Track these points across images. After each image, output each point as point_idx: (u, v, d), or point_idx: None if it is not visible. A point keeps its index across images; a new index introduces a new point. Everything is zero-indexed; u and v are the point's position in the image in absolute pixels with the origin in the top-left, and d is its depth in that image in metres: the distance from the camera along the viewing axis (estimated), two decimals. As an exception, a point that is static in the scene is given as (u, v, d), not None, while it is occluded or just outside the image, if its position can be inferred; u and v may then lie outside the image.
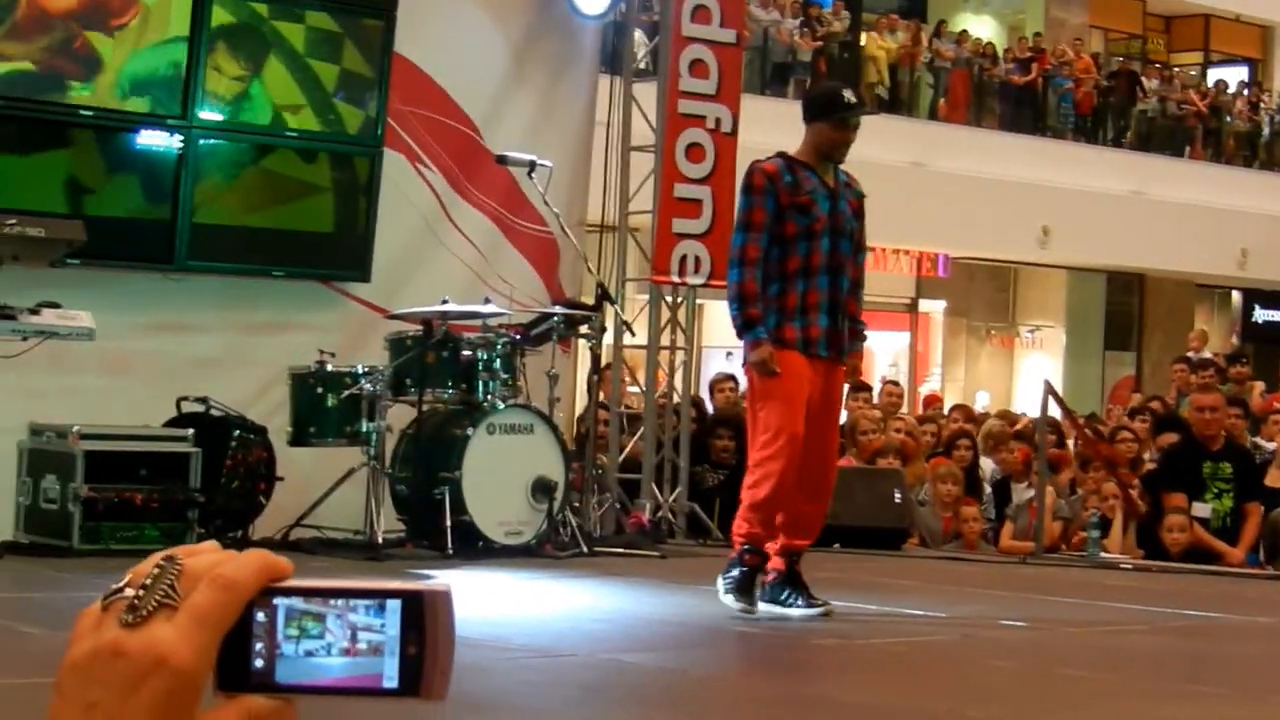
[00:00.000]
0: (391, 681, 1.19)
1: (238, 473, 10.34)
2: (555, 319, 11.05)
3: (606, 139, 12.79)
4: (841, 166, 8.29)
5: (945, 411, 17.24)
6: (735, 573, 8.01)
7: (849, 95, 8.38)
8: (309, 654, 1.19)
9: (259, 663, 1.20)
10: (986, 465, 13.91)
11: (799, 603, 8.01)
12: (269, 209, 11.39)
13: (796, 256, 7.98)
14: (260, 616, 1.20)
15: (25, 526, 10.05)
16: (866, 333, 8.54)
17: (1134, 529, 12.20)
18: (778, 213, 8.00)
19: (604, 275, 12.22)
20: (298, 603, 1.20)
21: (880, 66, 26.72)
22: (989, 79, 28.29)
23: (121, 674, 1.15)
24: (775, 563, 8.06)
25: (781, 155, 8.30)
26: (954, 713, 5.85)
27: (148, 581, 1.18)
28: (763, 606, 8.04)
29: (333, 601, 1.20)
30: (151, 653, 1.16)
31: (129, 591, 1.18)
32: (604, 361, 12.22)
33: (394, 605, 1.19)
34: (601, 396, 12.24)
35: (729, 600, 7.96)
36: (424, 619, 1.19)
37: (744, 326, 8.08)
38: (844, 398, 8.46)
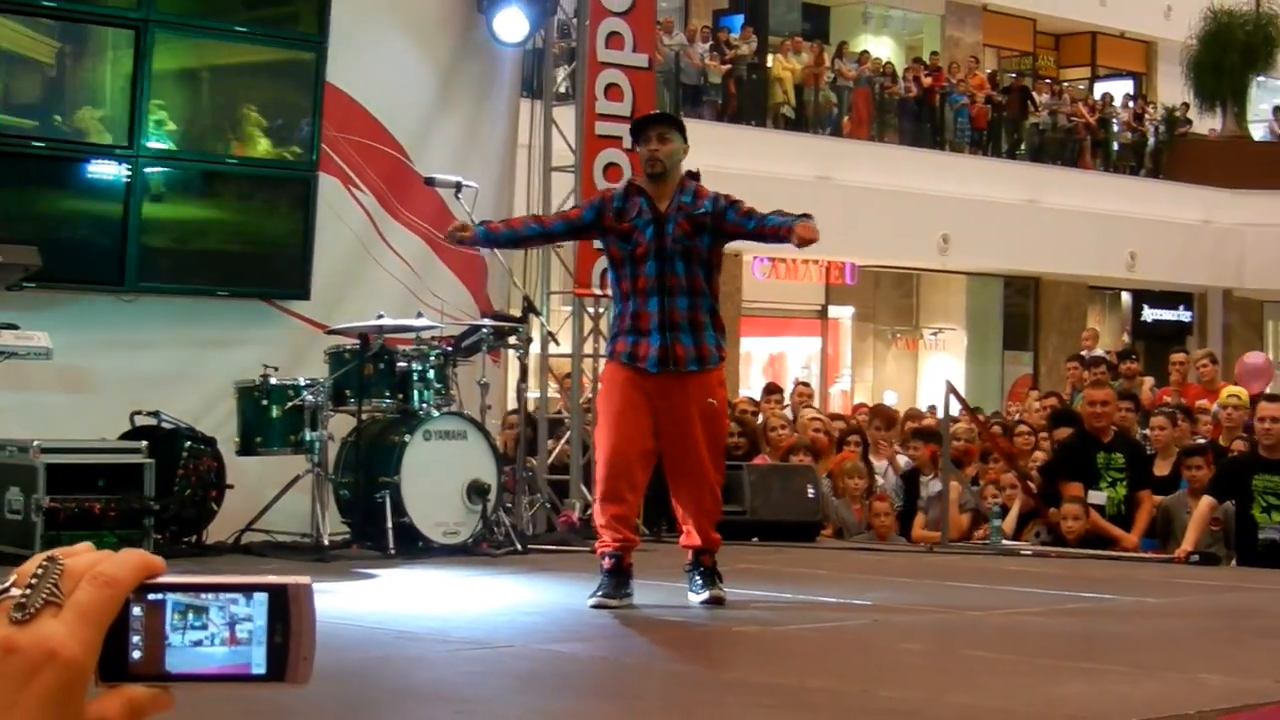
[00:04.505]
0: (260, 668, 1.25)
1: (190, 481, 10.46)
2: (484, 331, 11.18)
3: (529, 160, 13.00)
4: (696, 183, 8.36)
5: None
6: (599, 580, 8.16)
7: (641, 118, 8.96)
8: (195, 644, 1.24)
9: (137, 654, 1.24)
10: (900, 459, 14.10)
11: (695, 588, 8.28)
12: (213, 232, 11.53)
13: (626, 279, 8.30)
14: (137, 611, 1.24)
15: (-10, 536, 9.98)
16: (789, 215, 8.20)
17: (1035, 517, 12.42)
18: (603, 230, 8.41)
19: (529, 288, 12.40)
20: (180, 596, 1.24)
21: (786, 86, 26.92)
22: (889, 96, 28.51)
23: (14, 668, 1.18)
24: (689, 555, 8.36)
25: (629, 183, 8.73)
26: (867, 693, 5.88)
27: (33, 581, 1.21)
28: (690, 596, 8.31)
29: (206, 595, 1.25)
30: (42, 647, 1.18)
31: (15, 591, 1.21)
32: (531, 370, 12.40)
33: (261, 598, 1.25)
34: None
35: (597, 601, 8.05)
36: (288, 610, 1.25)
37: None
38: (701, 406, 8.23)
